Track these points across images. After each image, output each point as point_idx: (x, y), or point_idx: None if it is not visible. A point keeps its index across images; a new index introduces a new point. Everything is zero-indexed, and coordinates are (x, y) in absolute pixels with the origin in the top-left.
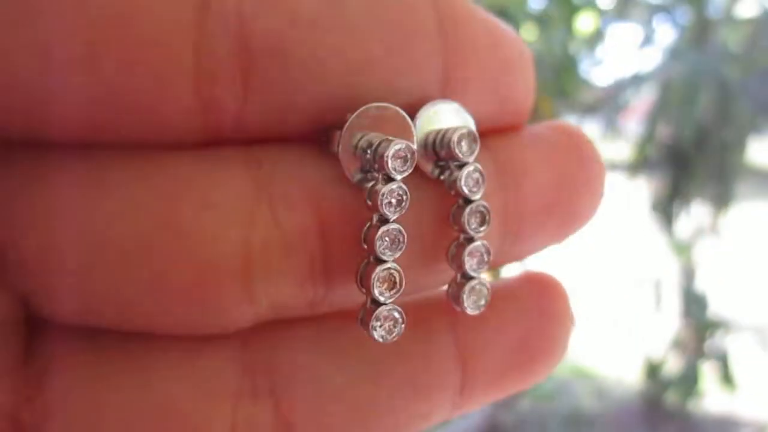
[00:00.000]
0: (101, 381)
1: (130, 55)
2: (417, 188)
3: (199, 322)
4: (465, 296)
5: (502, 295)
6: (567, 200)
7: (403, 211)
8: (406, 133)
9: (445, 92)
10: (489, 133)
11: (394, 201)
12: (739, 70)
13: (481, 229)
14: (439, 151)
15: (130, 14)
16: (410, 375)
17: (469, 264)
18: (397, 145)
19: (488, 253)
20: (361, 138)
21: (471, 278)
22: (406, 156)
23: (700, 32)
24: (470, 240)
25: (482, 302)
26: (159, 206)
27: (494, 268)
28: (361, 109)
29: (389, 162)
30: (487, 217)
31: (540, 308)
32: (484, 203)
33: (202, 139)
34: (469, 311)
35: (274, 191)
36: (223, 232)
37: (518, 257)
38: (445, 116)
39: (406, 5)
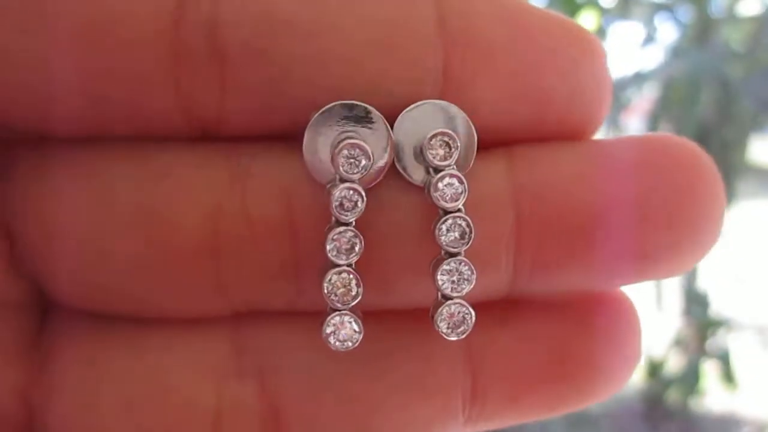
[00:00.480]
0: (100, 359)
1: (113, 60)
2: (402, 195)
3: (176, 307)
4: (438, 319)
5: (537, 305)
6: (635, 235)
7: (358, 215)
8: (380, 134)
9: (445, 91)
10: (523, 141)
11: (346, 204)
12: (742, 68)
13: (459, 245)
14: (419, 156)
15: (111, 22)
16: (409, 375)
17: (445, 283)
18: (345, 149)
19: (471, 272)
20: (336, 137)
21: (449, 299)
22: (357, 157)
23: (702, 31)
24: (451, 256)
25: (462, 328)
26: (137, 193)
27: (516, 298)
28: (325, 107)
29: (339, 162)
30: (467, 232)
31: (591, 325)
32: (464, 216)
33: (188, 134)
34: (445, 337)
35: (248, 186)
36: (192, 220)
37: (548, 289)
38: (429, 117)
39: (400, 1)
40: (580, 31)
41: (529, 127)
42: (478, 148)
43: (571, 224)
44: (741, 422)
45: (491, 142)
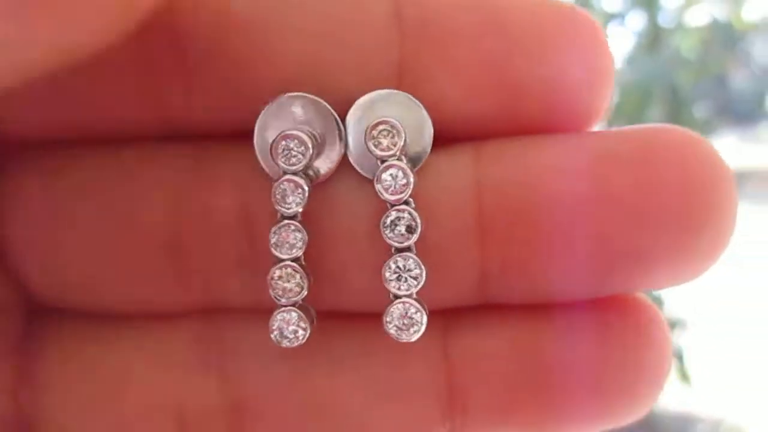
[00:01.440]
0: (74, 357)
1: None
2: (354, 190)
3: (140, 301)
4: (386, 319)
5: (519, 310)
6: (625, 237)
7: (300, 208)
8: (330, 126)
9: (403, 85)
10: (502, 134)
11: (287, 197)
12: (692, 76)
13: (405, 239)
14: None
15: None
16: (376, 373)
17: (393, 280)
18: (281, 140)
19: (420, 269)
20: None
21: (398, 297)
22: (295, 149)
23: (653, 39)
24: (400, 252)
25: (413, 329)
26: (101, 190)
27: (493, 304)
28: (272, 101)
29: (277, 154)
30: (413, 226)
31: (594, 334)
32: (410, 209)
33: (157, 131)
34: (396, 338)
35: (208, 183)
36: (153, 216)
37: (526, 294)
38: (381, 108)
39: None
40: (565, 14)
41: (503, 120)
42: (437, 140)
43: (540, 222)
44: (697, 419)
45: (461, 136)
